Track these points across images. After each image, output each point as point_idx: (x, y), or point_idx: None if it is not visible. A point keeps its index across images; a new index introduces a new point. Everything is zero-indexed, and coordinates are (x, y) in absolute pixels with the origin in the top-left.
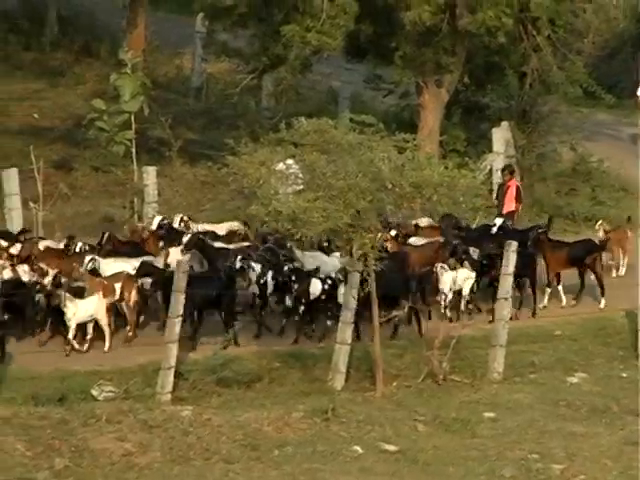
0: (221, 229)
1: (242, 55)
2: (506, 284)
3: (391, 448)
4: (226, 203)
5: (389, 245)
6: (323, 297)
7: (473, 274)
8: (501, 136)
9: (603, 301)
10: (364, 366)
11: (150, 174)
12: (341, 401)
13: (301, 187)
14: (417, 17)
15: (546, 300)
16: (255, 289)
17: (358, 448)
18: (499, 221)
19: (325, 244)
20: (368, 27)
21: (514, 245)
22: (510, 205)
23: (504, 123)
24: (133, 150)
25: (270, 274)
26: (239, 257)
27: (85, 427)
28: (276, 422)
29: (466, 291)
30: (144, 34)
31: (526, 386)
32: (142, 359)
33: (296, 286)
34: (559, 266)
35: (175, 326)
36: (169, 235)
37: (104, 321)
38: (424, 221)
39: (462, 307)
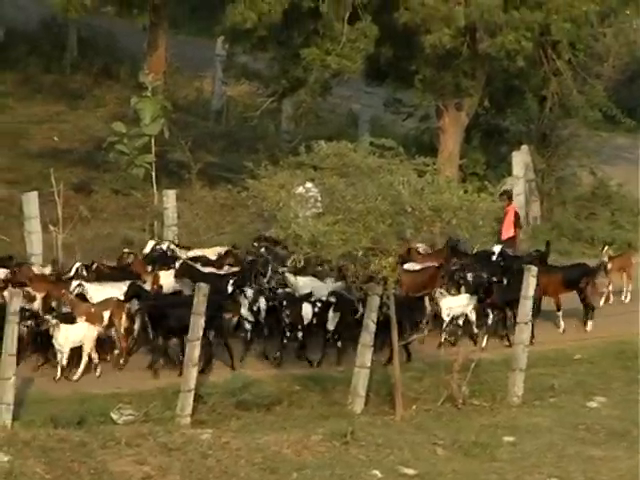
0: (211, 253)
1: (262, 78)
2: (526, 308)
3: (410, 472)
4: (245, 226)
5: None
6: (315, 321)
7: (474, 299)
8: (521, 160)
9: (590, 324)
10: (383, 389)
11: (170, 197)
12: (360, 424)
13: (320, 210)
14: (437, 40)
15: (562, 324)
16: (248, 314)
17: (377, 472)
18: (498, 248)
19: (319, 268)
20: (388, 50)
21: (534, 270)
22: (509, 231)
23: (524, 147)
24: (153, 173)
25: (263, 299)
26: (231, 282)
27: (104, 450)
28: (295, 445)
29: (472, 317)
30: (164, 56)
31: (545, 410)
32: (161, 382)
33: (288, 311)
34: (555, 291)
35: (195, 349)
36: (160, 259)
37: (87, 348)
38: (420, 247)
39: (474, 331)
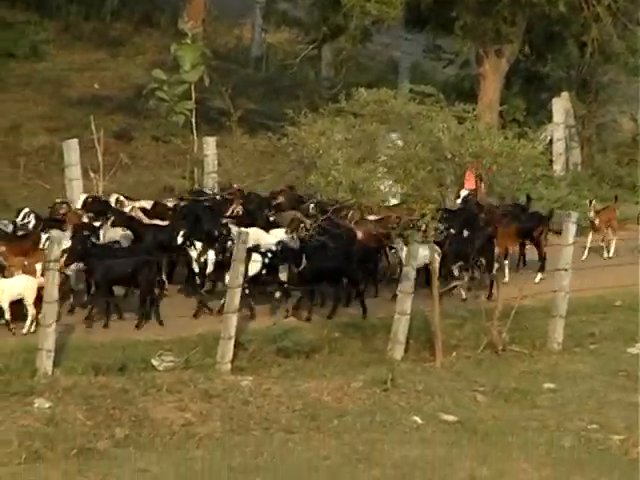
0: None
1: (302, 25)
2: (566, 255)
3: (450, 418)
4: (285, 173)
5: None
6: (264, 272)
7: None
8: (561, 106)
9: (539, 276)
10: (423, 336)
11: (210, 144)
12: (400, 371)
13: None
14: None
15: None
16: (195, 266)
17: (417, 418)
18: (464, 193)
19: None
20: None
21: (574, 216)
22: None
23: (564, 93)
24: (193, 120)
25: (212, 252)
26: (181, 233)
27: (145, 397)
28: (335, 392)
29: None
30: (204, 4)
31: (585, 356)
32: (202, 329)
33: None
34: (507, 241)
35: (235, 296)
36: (99, 210)
37: (29, 301)
38: None
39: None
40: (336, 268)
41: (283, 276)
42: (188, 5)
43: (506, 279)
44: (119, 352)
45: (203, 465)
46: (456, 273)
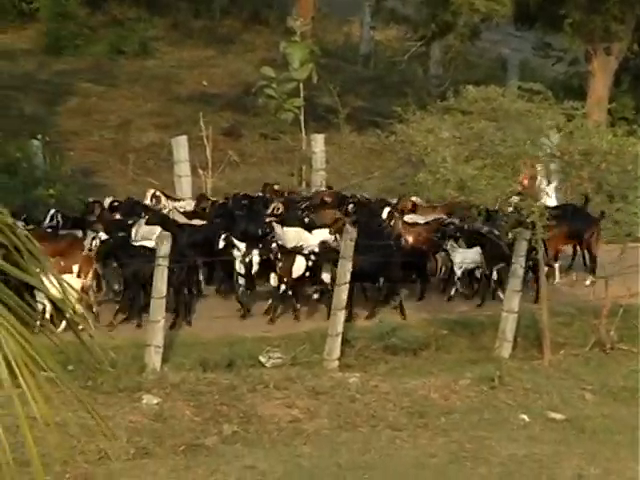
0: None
1: (410, 22)
2: None
3: (558, 416)
4: (394, 171)
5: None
6: (307, 274)
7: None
8: None
9: (590, 279)
10: (531, 334)
11: (318, 141)
12: (508, 369)
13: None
14: None
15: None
16: (241, 267)
17: (525, 416)
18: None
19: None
20: None
21: None
22: None
23: None
24: (301, 117)
25: (256, 252)
26: (223, 235)
27: (253, 393)
28: (443, 389)
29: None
30: (313, 1)
31: None
32: (309, 326)
33: (280, 264)
34: (557, 243)
35: (342, 293)
36: (132, 210)
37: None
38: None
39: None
40: (375, 268)
41: (326, 277)
42: (297, 2)
43: (557, 280)
44: (227, 348)
45: (311, 462)
46: (495, 276)
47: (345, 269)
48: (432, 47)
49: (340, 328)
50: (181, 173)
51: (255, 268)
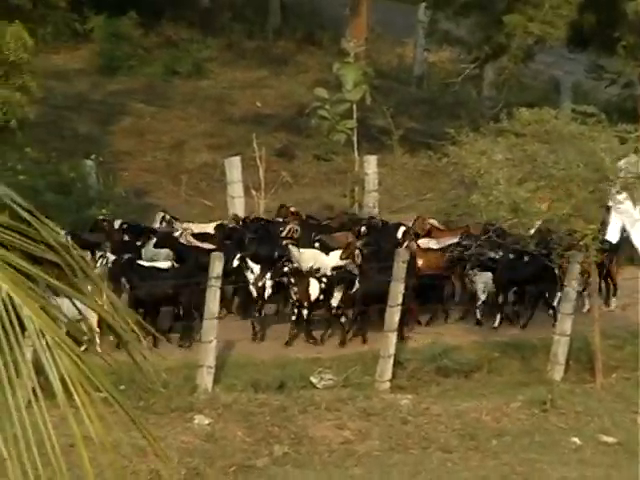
0: (210, 228)
1: (464, 44)
2: None
3: (610, 440)
4: (446, 193)
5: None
6: (321, 298)
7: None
8: None
9: (614, 303)
10: (583, 357)
11: (371, 163)
12: (560, 392)
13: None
14: None
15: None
16: (253, 290)
17: (577, 439)
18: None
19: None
20: (591, 17)
21: None
22: None
23: None
24: (354, 139)
25: (268, 275)
26: (238, 256)
27: (304, 414)
28: (494, 412)
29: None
30: (367, 23)
31: None
32: (360, 347)
33: (295, 288)
34: None
35: (395, 315)
36: (136, 233)
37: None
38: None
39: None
40: (384, 291)
41: (334, 301)
42: (351, 24)
43: (586, 308)
44: (279, 370)
45: None
46: (511, 299)
47: (397, 290)
48: (485, 69)
49: (392, 350)
50: (234, 194)
51: (268, 292)
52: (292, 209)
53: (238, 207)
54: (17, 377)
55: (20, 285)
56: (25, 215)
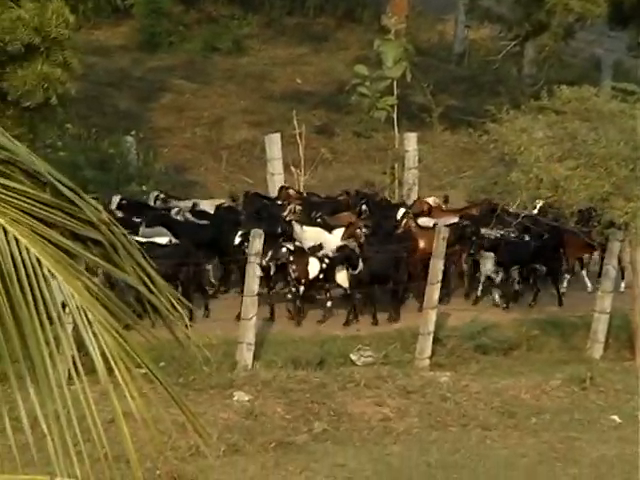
0: (209, 205)
1: (505, 21)
2: None
3: None
4: (486, 170)
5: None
6: (321, 277)
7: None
8: None
9: (623, 285)
10: (623, 335)
11: (411, 140)
12: (599, 370)
13: None
14: None
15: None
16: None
17: (616, 417)
18: (539, 203)
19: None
20: None
21: None
22: None
23: None
24: (394, 116)
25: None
26: (240, 233)
27: (343, 391)
28: (533, 390)
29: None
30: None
31: None
32: (399, 324)
33: (294, 266)
34: (579, 251)
35: (435, 292)
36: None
37: None
38: (431, 201)
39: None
40: (386, 273)
41: (342, 280)
42: (392, 1)
43: (589, 289)
44: (318, 347)
45: (401, 461)
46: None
47: (437, 268)
48: (526, 46)
49: (432, 327)
50: (274, 171)
51: (273, 270)
52: (291, 191)
53: (278, 184)
54: (58, 352)
55: (61, 262)
56: (67, 192)
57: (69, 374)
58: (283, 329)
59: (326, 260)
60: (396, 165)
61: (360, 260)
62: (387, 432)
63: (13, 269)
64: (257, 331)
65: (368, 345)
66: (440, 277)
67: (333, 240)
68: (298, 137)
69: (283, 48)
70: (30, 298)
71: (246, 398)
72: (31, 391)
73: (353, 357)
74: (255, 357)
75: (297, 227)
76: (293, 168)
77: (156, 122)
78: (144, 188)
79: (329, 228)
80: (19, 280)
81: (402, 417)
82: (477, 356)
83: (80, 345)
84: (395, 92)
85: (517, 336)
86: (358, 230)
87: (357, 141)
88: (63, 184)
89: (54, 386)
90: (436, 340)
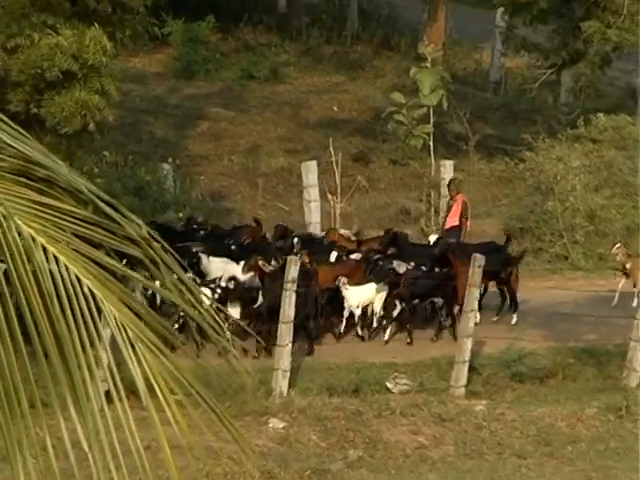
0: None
1: (541, 50)
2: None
3: None
4: (522, 199)
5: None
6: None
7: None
8: None
9: (515, 318)
10: None
11: (447, 168)
12: (635, 398)
13: None
14: None
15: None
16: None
17: None
18: (434, 237)
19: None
20: None
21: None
22: (454, 220)
23: None
24: (431, 144)
25: None
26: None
27: (379, 419)
28: (569, 418)
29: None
30: (444, 28)
31: None
32: (435, 352)
33: None
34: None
35: (470, 320)
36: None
37: None
38: (343, 232)
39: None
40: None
41: (234, 313)
42: (428, 29)
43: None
44: (354, 374)
45: None
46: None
47: (473, 297)
48: (562, 75)
49: (467, 355)
50: (310, 198)
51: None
52: (342, 231)
53: (314, 211)
54: (98, 372)
55: (102, 280)
56: (106, 209)
57: (108, 394)
58: (319, 356)
59: (218, 291)
60: (432, 193)
61: (260, 293)
62: (422, 460)
63: (53, 288)
64: (292, 358)
65: (404, 373)
66: (476, 305)
67: (238, 271)
68: (334, 164)
69: (320, 76)
70: (70, 317)
71: (281, 425)
72: (72, 412)
73: (389, 385)
74: (290, 384)
75: (204, 258)
76: (329, 195)
77: (193, 149)
78: (180, 215)
79: (238, 259)
80: (59, 299)
81: (437, 445)
82: (513, 384)
83: (120, 365)
84: (431, 120)
85: (553, 364)
86: (260, 263)
87: (393, 169)
88: (103, 200)
89: (95, 407)
90: (472, 368)
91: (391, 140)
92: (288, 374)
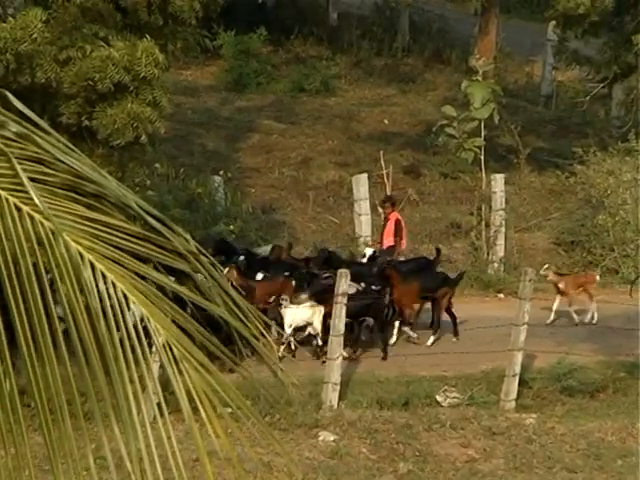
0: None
1: (593, 63)
2: None
3: None
4: (573, 212)
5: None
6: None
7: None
8: None
9: (432, 339)
10: None
11: (498, 181)
12: None
13: None
14: None
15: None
16: None
17: None
18: (369, 251)
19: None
20: None
21: None
22: (389, 240)
23: None
24: (482, 157)
25: None
26: None
27: (429, 432)
28: (620, 432)
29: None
30: (495, 41)
31: None
32: (486, 366)
33: None
34: (409, 300)
35: (521, 334)
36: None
37: None
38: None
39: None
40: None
41: None
42: (479, 42)
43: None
44: (403, 387)
45: None
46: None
47: (522, 311)
48: (614, 88)
49: (518, 369)
50: (361, 211)
51: None
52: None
53: (365, 224)
54: (142, 392)
55: (149, 296)
56: (154, 223)
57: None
58: (369, 369)
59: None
60: (483, 206)
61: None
62: (472, 473)
63: (99, 305)
64: (342, 371)
65: (454, 386)
66: (527, 319)
67: None
68: (385, 178)
69: (371, 89)
70: (116, 335)
71: (331, 438)
72: (116, 430)
73: (439, 398)
74: (340, 397)
75: None
76: (380, 209)
77: (244, 162)
78: (231, 228)
79: None
80: (105, 317)
81: (487, 458)
82: (563, 398)
83: (165, 383)
84: (482, 133)
85: (603, 378)
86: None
87: (444, 182)
88: (152, 215)
89: (138, 425)
90: (522, 382)
91: (442, 153)
92: (338, 387)
